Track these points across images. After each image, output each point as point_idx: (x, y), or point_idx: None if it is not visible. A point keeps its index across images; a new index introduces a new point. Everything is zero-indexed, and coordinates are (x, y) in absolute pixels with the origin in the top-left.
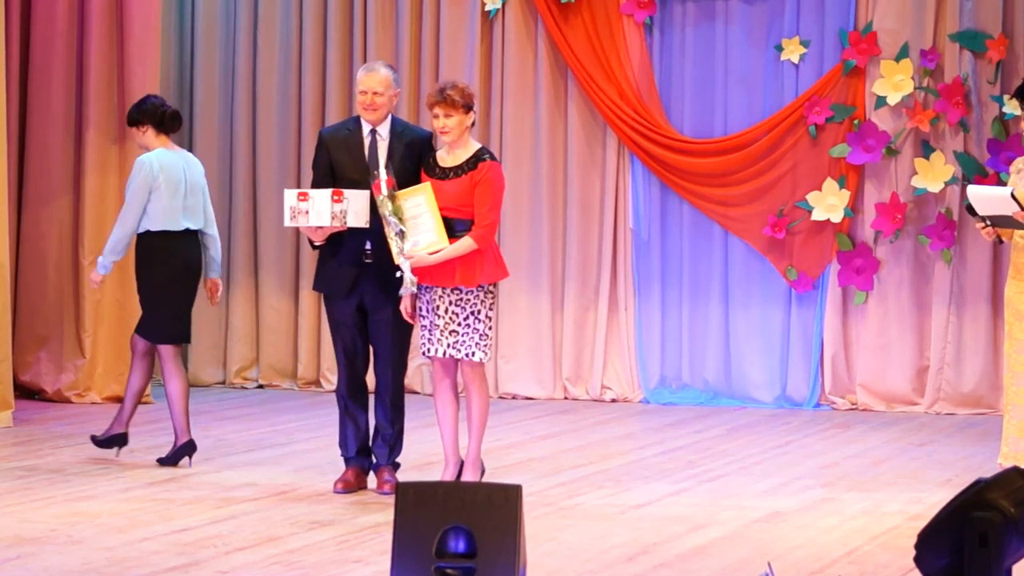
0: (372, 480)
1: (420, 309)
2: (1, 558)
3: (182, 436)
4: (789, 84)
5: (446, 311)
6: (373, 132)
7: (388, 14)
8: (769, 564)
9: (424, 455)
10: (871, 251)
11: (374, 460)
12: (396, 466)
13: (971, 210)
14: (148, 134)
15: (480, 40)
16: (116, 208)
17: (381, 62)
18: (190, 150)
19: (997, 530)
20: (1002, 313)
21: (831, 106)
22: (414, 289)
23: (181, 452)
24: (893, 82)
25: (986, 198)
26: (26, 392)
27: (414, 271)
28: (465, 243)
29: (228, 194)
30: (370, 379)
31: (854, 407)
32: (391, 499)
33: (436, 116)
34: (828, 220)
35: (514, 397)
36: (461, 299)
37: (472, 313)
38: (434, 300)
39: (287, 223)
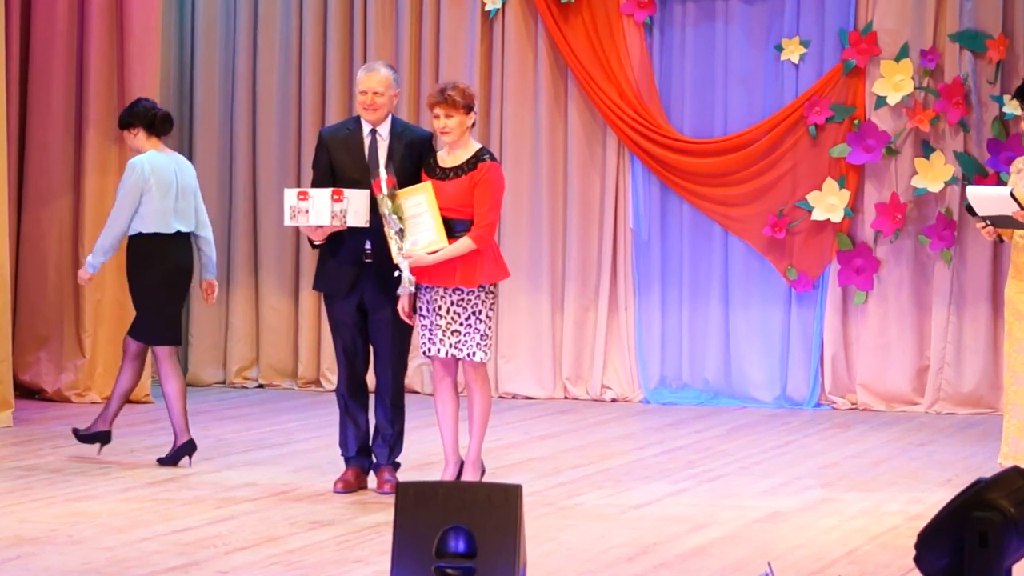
0: (372, 480)
1: (420, 309)
2: (1, 558)
3: (181, 436)
4: (789, 84)
5: (448, 311)
6: (373, 132)
7: (388, 14)
8: (769, 564)
9: (424, 455)
10: (871, 251)
11: (374, 460)
12: (396, 466)
13: (971, 210)
14: (140, 136)
15: (480, 40)
16: None
17: (381, 62)
18: (190, 150)
19: (997, 530)
20: (1002, 313)
21: (831, 106)
22: (412, 289)
23: (181, 452)
24: (893, 82)
25: (986, 198)
26: (26, 392)
27: (413, 271)
28: (464, 243)
29: (228, 194)
30: (370, 379)
31: (854, 407)
32: (391, 499)
33: (437, 116)
34: (828, 220)
35: (514, 397)
36: (462, 299)
37: (473, 313)
38: (435, 300)
39: (287, 222)
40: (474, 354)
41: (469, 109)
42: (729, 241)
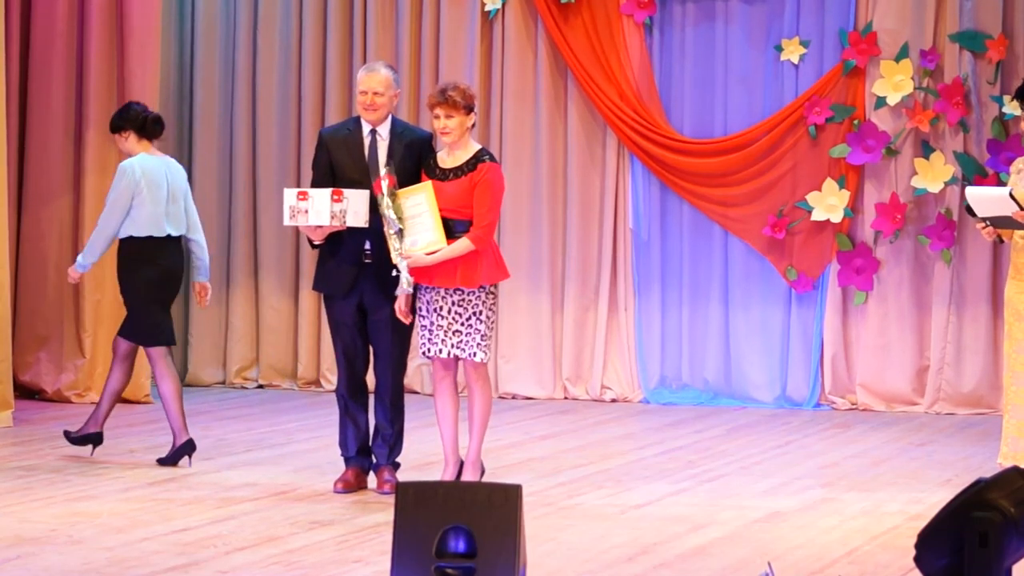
0: (372, 480)
1: (420, 309)
2: (1, 558)
3: (180, 436)
4: (789, 84)
5: (449, 311)
6: (373, 132)
7: (388, 14)
8: (769, 564)
9: (424, 455)
10: (871, 251)
11: (374, 460)
12: (396, 466)
13: (970, 211)
14: (130, 140)
15: (480, 40)
16: None
17: (381, 62)
18: (190, 150)
19: (997, 530)
20: (1002, 313)
21: (831, 106)
22: (410, 290)
23: (180, 452)
24: (893, 82)
25: (985, 199)
26: (26, 392)
27: (412, 271)
28: (463, 244)
29: (228, 194)
30: (370, 379)
31: (854, 407)
32: (391, 499)
33: (437, 117)
34: (828, 220)
35: (514, 397)
36: (463, 300)
37: (474, 314)
38: (436, 300)
39: (286, 222)
40: (475, 354)
41: (469, 110)
42: (729, 241)
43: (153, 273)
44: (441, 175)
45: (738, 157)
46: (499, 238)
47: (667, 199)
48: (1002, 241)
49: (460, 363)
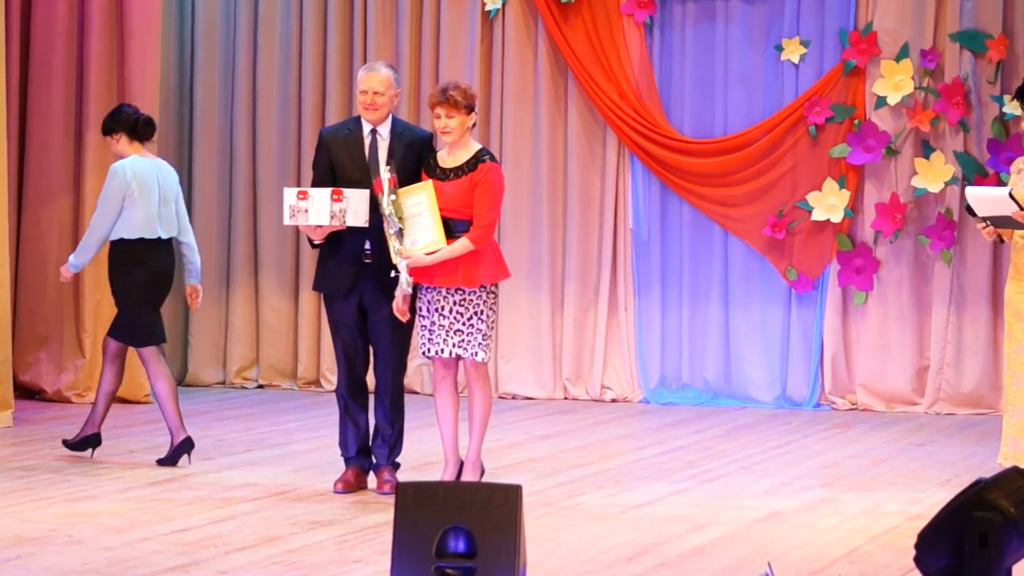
0: (372, 480)
1: (420, 309)
2: (1, 558)
3: (178, 434)
4: (789, 84)
5: (450, 311)
6: (373, 132)
7: (388, 14)
8: (769, 564)
9: (424, 455)
10: (871, 251)
11: (374, 460)
12: (396, 466)
13: (971, 211)
14: (122, 142)
15: (480, 40)
16: None
17: (382, 62)
18: (190, 150)
19: (997, 530)
20: (1002, 313)
21: (831, 106)
22: (409, 290)
23: (179, 450)
24: (893, 82)
25: (985, 199)
26: (26, 392)
27: (412, 271)
28: (462, 244)
29: (228, 194)
30: (370, 379)
31: (854, 407)
32: (391, 499)
33: (438, 116)
34: (828, 220)
35: (514, 397)
36: (464, 299)
37: (475, 313)
38: (437, 300)
39: (286, 221)
40: (476, 354)
41: (470, 110)
42: (729, 241)
43: (144, 275)
44: (441, 175)
45: (738, 157)
46: (499, 238)
47: (667, 199)
48: (1002, 241)
49: (460, 363)
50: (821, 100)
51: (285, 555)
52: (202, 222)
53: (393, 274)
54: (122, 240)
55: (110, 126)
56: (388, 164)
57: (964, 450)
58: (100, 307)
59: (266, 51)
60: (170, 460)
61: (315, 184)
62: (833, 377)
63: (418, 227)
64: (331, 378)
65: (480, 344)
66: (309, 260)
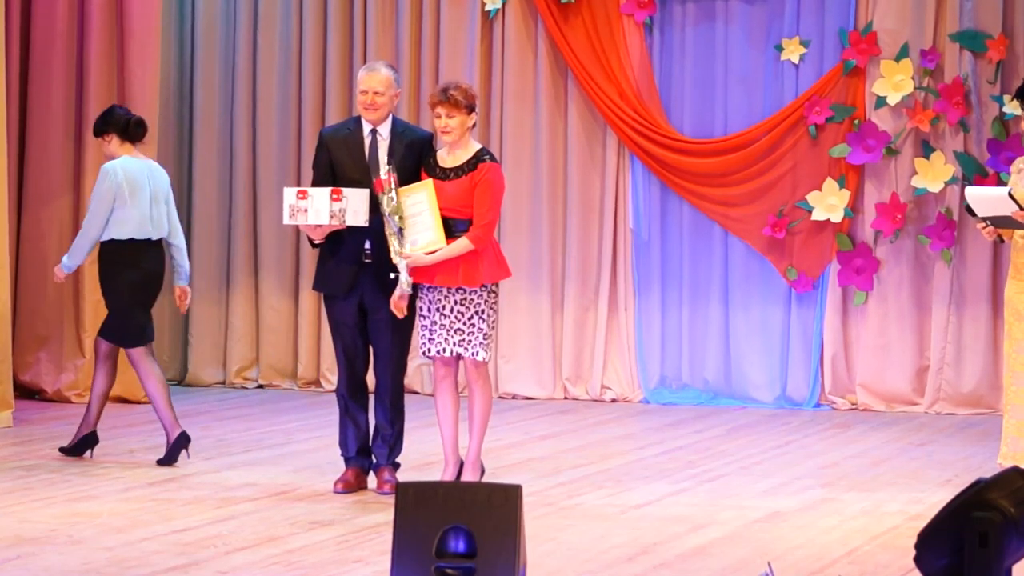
0: (372, 480)
1: (421, 309)
2: (1, 558)
3: (173, 431)
4: (789, 84)
5: (451, 311)
6: (374, 132)
7: (388, 14)
8: (769, 564)
9: (424, 455)
10: (871, 251)
11: (374, 460)
12: (396, 466)
13: (971, 211)
14: (113, 143)
15: (480, 40)
16: None
17: (382, 62)
18: (190, 150)
19: (997, 530)
20: (1002, 313)
21: (831, 106)
22: (409, 290)
23: (177, 447)
24: (893, 82)
25: (984, 199)
26: (26, 392)
27: (412, 271)
28: (462, 243)
29: (228, 194)
30: (370, 379)
31: (854, 407)
32: (391, 499)
33: (438, 116)
34: (828, 220)
35: (514, 397)
36: (465, 299)
37: (476, 312)
38: (438, 300)
39: (286, 221)
40: (477, 353)
41: (471, 109)
42: (729, 241)
43: (135, 276)
44: (441, 174)
45: (738, 157)
46: (499, 238)
47: (667, 199)
48: (1002, 241)
49: (461, 363)
50: (821, 100)
51: (285, 555)
52: (202, 222)
53: (393, 276)
54: (113, 241)
55: (101, 127)
56: (388, 164)
57: (964, 450)
58: (100, 307)
59: (266, 51)
60: (169, 458)
61: (315, 184)
62: (833, 377)
63: (418, 226)
64: (331, 378)
65: (481, 343)
66: (309, 260)
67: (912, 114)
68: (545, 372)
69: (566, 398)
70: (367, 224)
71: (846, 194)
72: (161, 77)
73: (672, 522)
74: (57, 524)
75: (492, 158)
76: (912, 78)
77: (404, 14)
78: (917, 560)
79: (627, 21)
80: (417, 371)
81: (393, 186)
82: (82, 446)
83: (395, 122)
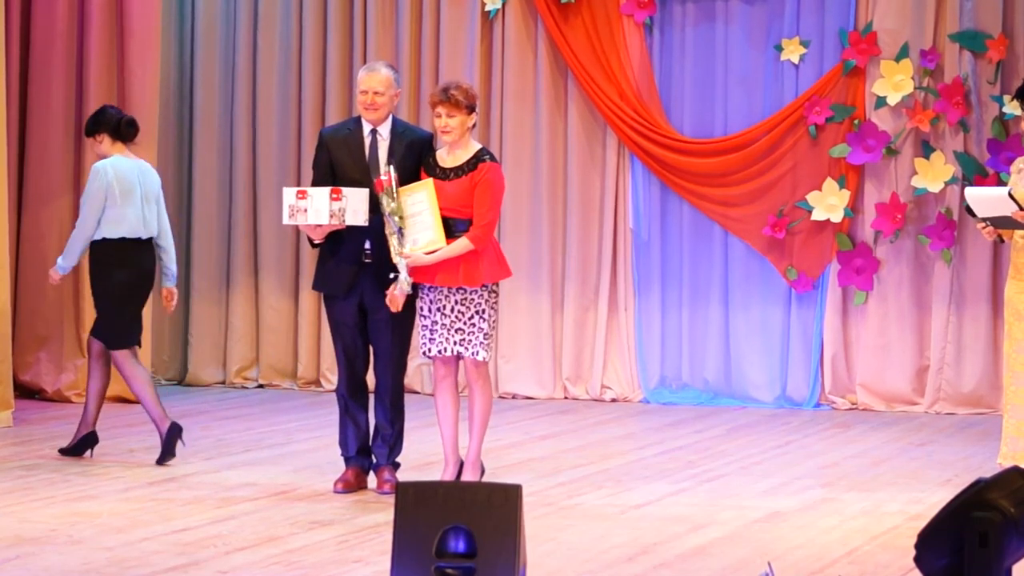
0: (372, 480)
1: (421, 309)
2: (1, 558)
3: (163, 425)
4: (789, 84)
5: (452, 310)
6: (374, 132)
7: (388, 14)
8: (769, 564)
9: (424, 455)
10: (871, 251)
11: (374, 460)
12: (396, 466)
13: (971, 211)
14: (105, 143)
15: (480, 40)
16: None
17: (382, 62)
18: (190, 150)
19: (997, 530)
20: (1002, 313)
21: (831, 106)
22: (409, 290)
23: (170, 439)
24: (893, 82)
25: (984, 199)
26: (26, 392)
27: (412, 271)
28: (462, 243)
29: (228, 194)
30: (370, 379)
31: (854, 407)
32: (391, 499)
33: (439, 115)
34: (828, 220)
35: (514, 397)
36: (466, 298)
37: (477, 312)
38: (439, 300)
39: (285, 221)
40: (477, 352)
41: (471, 109)
42: (729, 241)
43: (127, 276)
44: (442, 174)
45: (738, 157)
46: (499, 238)
47: (667, 199)
48: (1002, 241)
49: (461, 363)
50: (821, 100)
51: (285, 555)
52: (202, 222)
53: (392, 275)
54: (105, 240)
55: (93, 127)
56: (389, 164)
57: (964, 450)
58: None
59: (266, 51)
60: (166, 452)
61: (315, 184)
62: (833, 377)
63: (418, 226)
64: (331, 378)
65: (481, 343)
66: (309, 260)
67: (912, 114)
68: (545, 372)
69: (566, 398)
70: (367, 224)
71: (846, 194)
72: (161, 77)
73: (672, 522)
74: (57, 524)
75: (492, 158)
76: (912, 78)
77: (404, 14)
78: (917, 560)
79: (627, 21)
80: (417, 371)
81: (393, 186)
82: (82, 446)
83: (395, 122)
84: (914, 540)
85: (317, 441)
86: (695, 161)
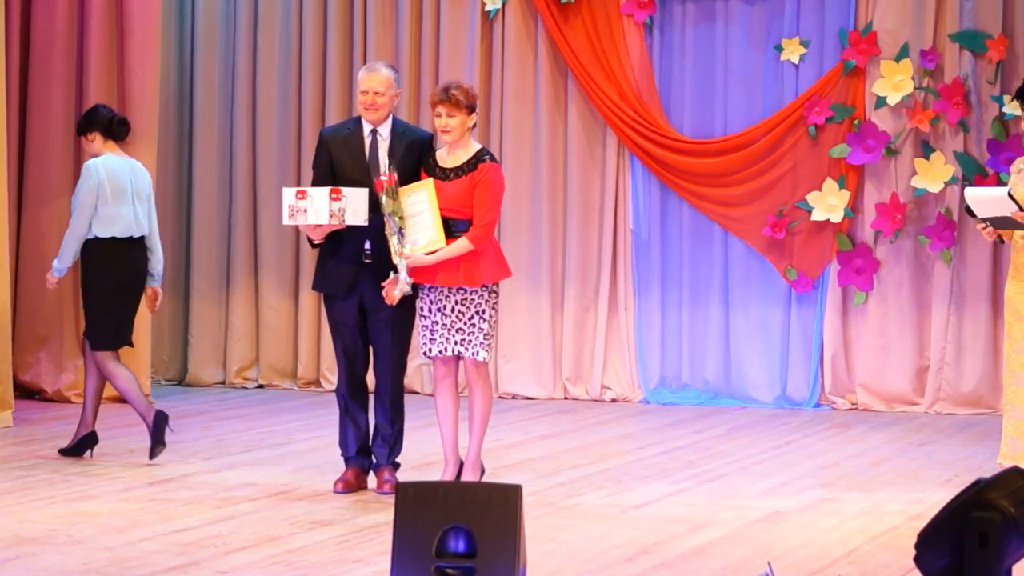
0: (372, 480)
1: (421, 309)
2: (1, 558)
3: (148, 415)
4: (789, 84)
5: (452, 310)
6: (374, 132)
7: (388, 14)
8: (769, 564)
9: (424, 455)
10: (871, 251)
11: (374, 460)
12: (396, 466)
13: (970, 212)
14: (96, 142)
15: (480, 40)
16: None
17: (382, 62)
18: (190, 150)
19: (997, 530)
20: (1002, 313)
21: (831, 106)
22: (409, 291)
23: (157, 429)
24: (893, 82)
25: (984, 199)
26: (26, 392)
27: (412, 271)
28: (461, 244)
29: (228, 194)
30: (370, 379)
31: (854, 407)
32: (391, 499)
33: (439, 115)
34: (828, 220)
35: (514, 397)
36: (466, 299)
37: (477, 312)
38: (439, 300)
39: (285, 221)
40: (477, 353)
41: (471, 110)
42: (729, 241)
43: (119, 276)
44: (442, 174)
45: (738, 157)
46: (499, 238)
47: (667, 199)
48: (1002, 241)
49: (461, 363)
50: (821, 100)
51: (285, 555)
52: (202, 222)
53: (392, 275)
54: (96, 239)
55: (84, 126)
56: (389, 164)
57: (964, 450)
58: None
59: (266, 51)
60: (156, 442)
61: (315, 184)
62: (833, 377)
63: (418, 226)
64: (331, 378)
65: (482, 343)
66: (309, 260)
67: (912, 114)
68: (545, 372)
69: (566, 398)
70: (367, 223)
71: (846, 194)
72: (161, 77)
73: (672, 522)
74: (57, 524)
75: (492, 158)
76: (912, 78)
77: (404, 14)
78: (917, 560)
79: (627, 21)
80: (417, 371)
81: (393, 186)
82: (82, 446)
83: (395, 122)
84: (914, 540)
85: (317, 441)
86: (695, 161)
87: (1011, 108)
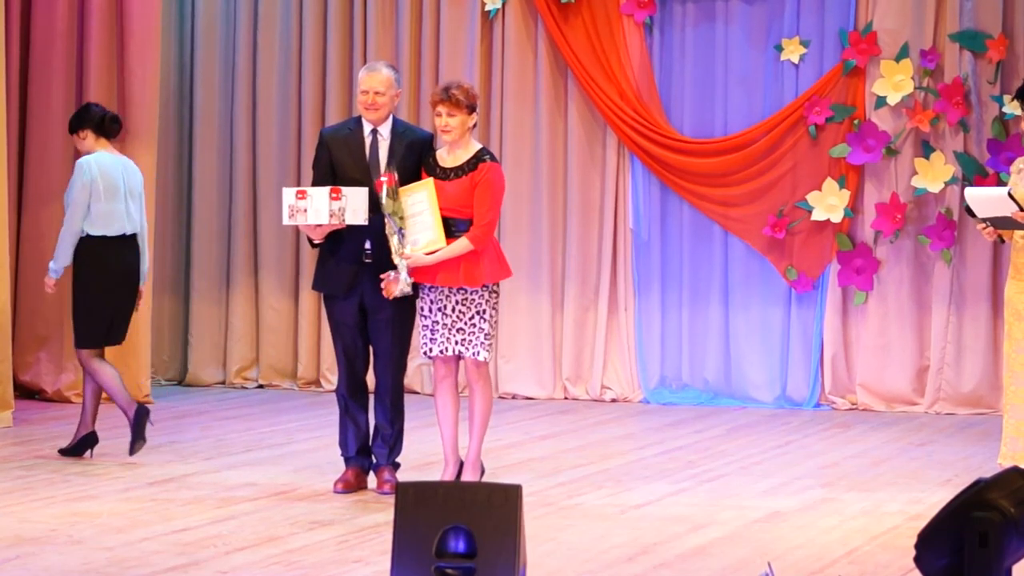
0: (372, 480)
1: (422, 309)
2: (1, 558)
3: (130, 409)
4: (789, 84)
5: (453, 310)
6: (374, 132)
7: (388, 14)
8: (769, 564)
9: (424, 455)
10: (871, 251)
11: (374, 460)
12: (396, 466)
13: (971, 212)
14: (88, 139)
15: (480, 40)
16: None
17: (383, 62)
18: (190, 150)
19: (997, 530)
20: (1002, 313)
21: (831, 106)
22: (409, 291)
23: (138, 423)
24: (893, 82)
25: (984, 200)
26: (26, 392)
27: (413, 271)
28: (462, 244)
29: (228, 194)
30: (370, 379)
31: (854, 407)
32: (391, 499)
33: (439, 115)
34: (828, 220)
35: (514, 397)
36: (466, 299)
37: (477, 312)
38: (440, 300)
39: (285, 221)
40: (478, 353)
41: (472, 109)
42: (729, 241)
43: (110, 274)
44: (442, 174)
45: (738, 157)
46: (499, 238)
47: (667, 199)
48: (1003, 241)
49: (461, 363)
50: (821, 100)
51: (285, 555)
52: (202, 222)
53: (392, 274)
54: (88, 237)
55: (76, 124)
56: (389, 164)
57: (964, 450)
58: None
59: (266, 51)
60: (136, 435)
61: (315, 184)
62: (833, 377)
63: (418, 226)
64: (331, 378)
65: (482, 343)
66: (309, 260)
67: (912, 114)
68: (545, 372)
69: (566, 398)
70: (367, 223)
71: (846, 194)
72: (161, 77)
73: (672, 522)
74: (57, 524)
75: (492, 158)
76: (912, 78)
77: (404, 14)
78: (917, 560)
79: (627, 21)
80: (417, 371)
81: (394, 186)
82: (82, 446)
83: (395, 122)
84: (914, 540)
85: (317, 441)
86: (695, 161)
87: (1011, 108)
